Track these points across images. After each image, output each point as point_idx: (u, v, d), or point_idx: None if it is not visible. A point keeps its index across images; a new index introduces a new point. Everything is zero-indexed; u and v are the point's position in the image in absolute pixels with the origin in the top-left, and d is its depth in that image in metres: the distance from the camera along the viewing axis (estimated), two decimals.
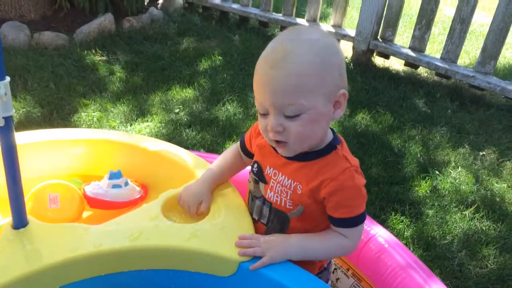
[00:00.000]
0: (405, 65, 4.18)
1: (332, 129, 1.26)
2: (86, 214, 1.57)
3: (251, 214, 1.36)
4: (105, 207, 1.52)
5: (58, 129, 1.80)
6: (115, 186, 1.53)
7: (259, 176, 1.31)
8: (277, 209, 1.28)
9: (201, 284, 1.26)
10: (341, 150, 1.22)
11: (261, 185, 1.31)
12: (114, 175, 1.57)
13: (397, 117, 3.40)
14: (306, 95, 1.09)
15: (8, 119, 1.11)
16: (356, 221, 1.21)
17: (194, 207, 1.38)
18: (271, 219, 1.31)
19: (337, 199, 1.19)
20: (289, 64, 1.08)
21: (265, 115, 1.15)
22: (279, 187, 1.26)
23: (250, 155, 1.41)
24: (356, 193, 1.19)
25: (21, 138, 1.60)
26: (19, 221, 1.23)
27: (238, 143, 1.47)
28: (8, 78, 1.08)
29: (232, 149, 1.49)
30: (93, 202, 1.52)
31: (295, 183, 1.23)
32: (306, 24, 4.42)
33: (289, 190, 1.24)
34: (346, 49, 4.38)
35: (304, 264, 1.25)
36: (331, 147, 1.21)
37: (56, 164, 1.66)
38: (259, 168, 1.31)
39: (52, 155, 1.66)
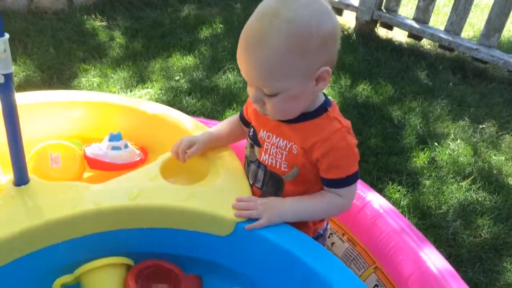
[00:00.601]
0: (408, 36, 4.14)
1: (324, 94, 1.26)
2: (86, 175, 1.59)
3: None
4: (104, 168, 1.54)
5: (58, 90, 1.80)
6: (114, 148, 1.54)
7: (254, 140, 1.32)
8: (272, 171, 1.29)
9: (199, 243, 1.29)
10: (332, 112, 1.22)
11: (256, 148, 1.32)
12: (114, 137, 1.58)
13: (398, 89, 3.39)
14: (280, 79, 1.10)
15: (7, 77, 1.11)
16: (349, 181, 1.23)
17: (184, 149, 1.40)
18: (265, 183, 1.32)
19: (329, 160, 1.20)
20: (262, 50, 1.07)
21: (249, 84, 1.18)
22: (273, 149, 1.27)
23: (247, 124, 1.42)
24: (348, 153, 1.21)
25: (21, 99, 1.60)
26: (20, 178, 1.25)
27: (236, 113, 1.50)
28: (7, 35, 1.08)
29: (232, 117, 1.52)
30: (93, 163, 1.53)
31: (290, 143, 1.24)
32: None
33: (284, 151, 1.25)
34: (349, 19, 4.32)
35: (298, 228, 1.27)
36: (322, 109, 1.22)
37: (56, 126, 1.67)
38: (254, 132, 1.33)
39: (52, 116, 1.66)
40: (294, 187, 1.28)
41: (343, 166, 1.21)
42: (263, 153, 1.30)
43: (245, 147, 1.40)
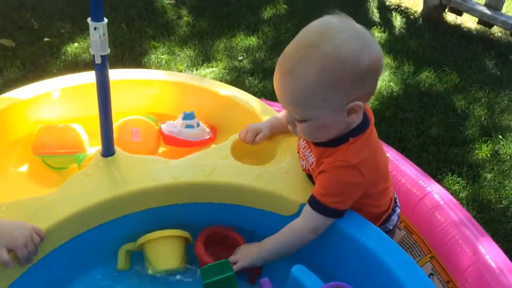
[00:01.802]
0: (478, 23, 3.98)
1: (365, 114, 1.23)
2: (160, 150, 1.71)
3: None
4: (178, 144, 1.65)
5: (135, 69, 1.93)
6: (188, 126, 1.65)
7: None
8: (307, 173, 1.36)
9: (264, 220, 1.38)
10: (351, 144, 1.20)
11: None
12: (188, 116, 1.69)
13: (464, 78, 3.29)
14: (309, 109, 1.13)
15: (104, 58, 1.23)
16: (319, 205, 1.21)
17: (252, 134, 1.47)
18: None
19: (318, 179, 1.25)
20: (293, 80, 1.10)
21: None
22: (302, 151, 1.35)
23: None
24: (334, 183, 1.20)
25: None
26: (108, 150, 1.38)
27: None
28: (106, 20, 1.19)
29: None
30: (169, 140, 1.65)
31: (311, 154, 1.30)
32: None
33: (307, 159, 1.32)
34: (416, 2, 4.21)
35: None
36: (344, 138, 1.21)
37: (134, 102, 1.80)
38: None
39: (131, 93, 1.79)
40: None
41: (323, 188, 1.22)
42: (300, 159, 1.37)
43: None
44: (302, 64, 1.08)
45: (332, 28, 1.09)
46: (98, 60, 1.21)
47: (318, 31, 1.11)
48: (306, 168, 1.34)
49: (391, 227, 1.44)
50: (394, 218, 1.45)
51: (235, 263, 1.27)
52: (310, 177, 1.36)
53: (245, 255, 1.30)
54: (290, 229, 1.27)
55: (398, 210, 1.47)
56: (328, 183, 1.22)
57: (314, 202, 1.24)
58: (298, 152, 1.40)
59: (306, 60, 1.08)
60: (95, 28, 1.16)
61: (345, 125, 1.19)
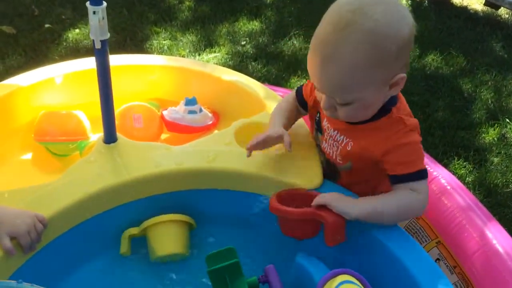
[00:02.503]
0: (484, 4, 3.91)
1: None
2: (163, 136, 1.70)
3: None
4: (181, 131, 1.64)
5: (136, 54, 1.90)
6: (191, 112, 1.63)
7: (318, 126, 1.34)
8: (328, 160, 1.32)
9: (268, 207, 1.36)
10: (396, 112, 1.18)
11: (319, 134, 1.34)
12: (190, 102, 1.67)
13: (471, 60, 3.25)
14: (355, 90, 1.08)
15: (104, 42, 1.20)
16: (420, 175, 1.17)
17: (272, 144, 1.33)
18: (325, 168, 1.34)
19: (394, 158, 1.17)
20: (338, 65, 1.04)
21: (318, 89, 1.15)
22: (331, 140, 1.27)
23: (305, 105, 1.40)
24: (413, 149, 1.17)
25: None
26: (110, 137, 1.36)
27: (293, 94, 1.43)
28: (105, 3, 1.17)
29: (289, 103, 1.43)
30: (171, 126, 1.63)
31: (347, 139, 1.23)
32: None
33: (340, 145, 1.25)
34: None
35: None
36: (384, 110, 1.18)
37: (135, 88, 1.77)
38: (319, 118, 1.33)
39: (132, 79, 1.77)
40: (349, 178, 1.29)
41: (410, 162, 1.17)
42: (324, 141, 1.31)
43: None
44: (344, 46, 1.02)
45: (365, 2, 1.03)
46: (98, 45, 1.18)
47: (351, 8, 1.03)
48: (335, 156, 1.27)
49: None
50: None
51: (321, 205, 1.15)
52: (330, 166, 1.30)
53: (337, 199, 1.16)
54: (405, 199, 1.16)
55: None
56: (408, 153, 1.17)
57: (415, 176, 1.16)
58: (318, 143, 1.35)
59: (347, 41, 1.02)
60: (94, 12, 1.13)
61: (385, 100, 1.15)
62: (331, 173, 1.33)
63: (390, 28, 1.03)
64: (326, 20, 1.07)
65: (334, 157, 1.28)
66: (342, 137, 1.24)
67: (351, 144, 1.23)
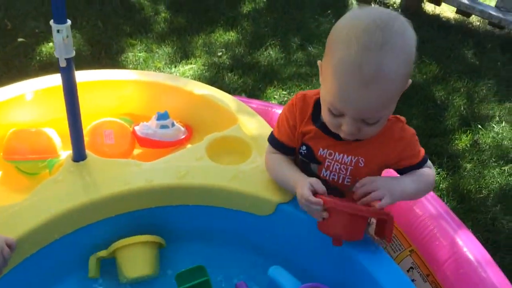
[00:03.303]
0: (456, 12, 4.00)
1: None
2: (135, 152, 1.69)
3: None
4: (154, 146, 1.63)
5: (108, 70, 1.89)
6: (163, 127, 1.62)
7: (310, 158, 1.28)
8: (333, 186, 1.28)
9: (241, 221, 1.36)
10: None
11: (313, 166, 1.28)
12: (162, 116, 1.66)
13: (443, 68, 3.31)
14: (389, 105, 1.12)
15: (69, 60, 1.19)
16: (426, 157, 1.30)
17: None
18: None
19: (409, 153, 1.25)
20: (382, 82, 1.04)
21: (337, 115, 1.12)
22: (337, 165, 1.25)
23: (292, 151, 1.33)
24: (416, 139, 1.27)
25: None
26: (79, 155, 1.35)
27: (271, 153, 1.34)
28: (69, 22, 1.16)
29: (279, 158, 1.33)
30: (143, 141, 1.62)
31: (356, 157, 1.23)
32: None
33: (349, 166, 1.24)
34: None
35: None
36: None
37: (106, 103, 1.76)
38: (308, 150, 1.27)
39: (103, 94, 1.75)
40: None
41: (420, 150, 1.28)
42: (323, 170, 1.27)
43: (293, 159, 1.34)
44: (386, 66, 1.02)
45: (385, 20, 1.04)
46: (63, 64, 1.17)
47: (378, 28, 1.03)
48: (342, 179, 1.26)
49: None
50: None
51: (378, 200, 1.15)
52: (334, 192, 1.23)
53: (389, 188, 1.18)
54: (429, 176, 1.28)
55: None
56: (416, 142, 1.26)
57: (426, 158, 1.29)
58: (321, 174, 1.28)
59: (387, 60, 1.02)
60: (58, 31, 1.12)
61: None
62: (333, 195, 1.24)
63: (412, 40, 1.08)
64: (353, 40, 1.03)
65: (341, 180, 1.26)
66: (350, 157, 1.23)
67: (362, 160, 1.23)
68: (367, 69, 1.02)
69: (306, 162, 1.29)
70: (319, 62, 1.18)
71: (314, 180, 1.19)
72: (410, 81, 1.14)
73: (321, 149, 1.25)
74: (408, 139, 1.25)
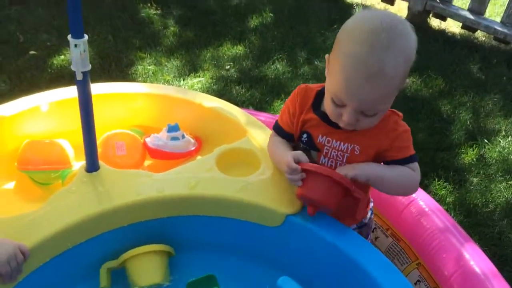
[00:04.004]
0: (462, 28, 4.04)
1: None
2: (146, 163, 1.71)
3: None
4: (164, 157, 1.66)
5: (120, 82, 1.93)
6: (173, 139, 1.65)
7: (310, 145, 1.37)
8: None
9: (250, 232, 1.38)
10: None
11: (313, 153, 1.38)
12: (172, 128, 1.69)
13: (449, 82, 3.33)
14: (387, 100, 1.21)
15: (85, 74, 1.23)
16: (415, 158, 1.34)
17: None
18: None
19: (398, 144, 1.32)
20: (383, 79, 1.13)
21: (339, 105, 1.22)
22: (334, 152, 1.34)
23: (291, 137, 1.43)
24: (408, 135, 1.34)
25: None
26: (92, 165, 1.37)
27: (273, 136, 1.46)
28: (86, 36, 1.20)
29: (278, 141, 1.45)
30: (154, 153, 1.65)
31: (352, 145, 1.32)
32: None
33: (345, 153, 1.33)
34: (401, 8, 4.25)
35: (345, 216, 1.36)
36: None
37: (118, 115, 1.80)
38: (309, 138, 1.37)
39: (115, 106, 1.79)
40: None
41: (408, 146, 1.34)
42: (322, 157, 1.36)
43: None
44: (389, 65, 1.12)
45: (390, 23, 1.14)
46: (79, 77, 1.21)
47: (385, 28, 1.12)
48: (339, 166, 1.34)
49: (365, 221, 1.52)
50: (369, 212, 1.53)
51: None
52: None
53: (364, 165, 1.29)
54: (409, 176, 1.33)
55: (371, 204, 1.56)
56: (407, 138, 1.33)
57: (413, 158, 1.34)
58: (320, 161, 1.37)
59: (390, 59, 1.12)
60: (75, 45, 1.16)
61: None
62: None
63: (413, 42, 1.16)
64: (360, 39, 1.13)
65: (337, 167, 1.35)
66: (346, 145, 1.33)
67: (357, 148, 1.32)
68: (371, 66, 1.12)
69: (307, 150, 1.38)
70: (327, 56, 1.27)
71: (298, 151, 1.31)
72: (408, 81, 1.23)
73: (320, 136, 1.35)
74: (400, 132, 1.31)
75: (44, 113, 1.68)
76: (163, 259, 1.31)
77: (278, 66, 3.37)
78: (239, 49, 3.54)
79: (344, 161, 1.34)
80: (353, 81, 1.15)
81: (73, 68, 1.21)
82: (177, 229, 1.39)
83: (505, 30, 3.71)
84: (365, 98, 1.17)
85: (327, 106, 1.26)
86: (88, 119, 1.30)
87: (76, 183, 1.36)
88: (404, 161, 1.33)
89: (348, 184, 1.23)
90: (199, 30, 3.71)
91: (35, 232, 1.20)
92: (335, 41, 1.23)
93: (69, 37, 1.18)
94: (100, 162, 1.41)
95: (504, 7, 3.84)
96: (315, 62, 3.45)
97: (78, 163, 1.50)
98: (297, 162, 1.27)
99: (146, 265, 1.27)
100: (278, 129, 1.45)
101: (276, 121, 1.46)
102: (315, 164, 1.28)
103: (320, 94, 1.34)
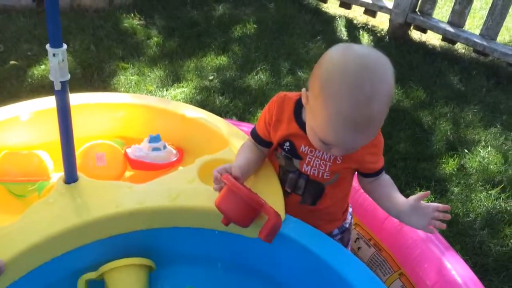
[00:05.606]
0: (442, 40, 4.11)
1: None
2: (127, 174, 1.69)
3: (283, 186, 1.43)
4: (145, 168, 1.64)
5: (102, 93, 1.91)
6: (155, 149, 1.64)
7: (292, 154, 1.38)
8: (313, 180, 1.39)
9: (233, 244, 1.37)
10: None
11: (295, 161, 1.39)
12: (154, 139, 1.67)
13: (430, 94, 3.38)
14: (374, 135, 1.23)
15: (64, 84, 1.21)
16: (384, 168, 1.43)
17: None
18: (307, 189, 1.41)
19: (377, 154, 1.37)
20: (371, 128, 1.17)
21: (327, 144, 1.23)
22: (317, 161, 1.36)
23: (267, 144, 1.44)
24: (382, 146, 1.39)
25: None
26: (70, 177, 1.35)
27: (248, 140, 1.48)
28: (65, 46, 1.18)
29: (248, 148, 1.46)
30: (135, 164, 1.63)
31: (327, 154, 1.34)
32: None
33: (328, 162, 1.35)
34: (383, 21, 4.32)
35: (327, 222, 1.40)
36: None
37: (99, 126, 1.77)
38: (292, 147, 1.37)
39: (95, 117, 1.76)
40: (333, 189, 1.41)
41: (382, 158, 1.41)
42: (304, 165, 1.37)
43: (276, 156, 1.45)
44: (374, 113, 1.13)
45: (371, 68, 1.13)
46: (57, 87, 1.19)
47: (367, 79, 1.11)
48: (321, 174, 1.37)
49: (347, 225, 1.55)
50: (349, 216, 1.57)
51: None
52: (315, 186, 1.39)
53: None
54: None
55: (350, 209, 1.59)
56: (381, 147, 1.39)
57: (383, 168, 1.42)
58: (293, 170, 1.40)
59: (375, 109, 1.12)
60: (54, 55, 1.14)
61: None
62: (314, 191, 1.41)
63: (392, 79, 1.16)
64: (345, 94, 1.11)
65: (320, 175, 1.37)
66: (329, 155, 1.34)
67: (339, 157, 1.34)
68: (360, 121, 1.13)
69: (289, 157, 1.39)
70: (303, 91, 1.25)
71: (237, 166, 1.31)
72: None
73: (302, 146, 1.36)
74: (378, 141, 1.35)
75: (24, 124, 1.65)
76: (143, 273, 1.29)
77: (262, 76, 3.38)
78: (223, 60, 3.54)
79: (326, 169, 1.36)
80: (342, 133, 1.17)
81: (51, 77, 1.19)
82: (158, 241, 1.36)
83: (484, 43, 3.79)
84: (356, 143, 1.22)
85: (314, 142, 1.26)
86: (66, 130, 1.28)
87: (53, 195, 1.33)
88: (382, 170, 1.40)
89: (258, 205, 1.22)
90: (182, 41, 3.71)
91: (11, 245, 1.17)
92: (312, 77, 1.20)
93: (47, 46, 1.16)
94: (79, 174, 1.38)
95: (483, 20, 3.92)
96: (299, 72, 3.48)
97: (57, 175, 1.47)
98: (227, 172, 1.28)
99: (125, 279, 1.25)
100: (253, 135, 1.47)
101: (254, 127, 1.48)
102: (240, 182, 1.25)
103: (300, 103, 1.33)
